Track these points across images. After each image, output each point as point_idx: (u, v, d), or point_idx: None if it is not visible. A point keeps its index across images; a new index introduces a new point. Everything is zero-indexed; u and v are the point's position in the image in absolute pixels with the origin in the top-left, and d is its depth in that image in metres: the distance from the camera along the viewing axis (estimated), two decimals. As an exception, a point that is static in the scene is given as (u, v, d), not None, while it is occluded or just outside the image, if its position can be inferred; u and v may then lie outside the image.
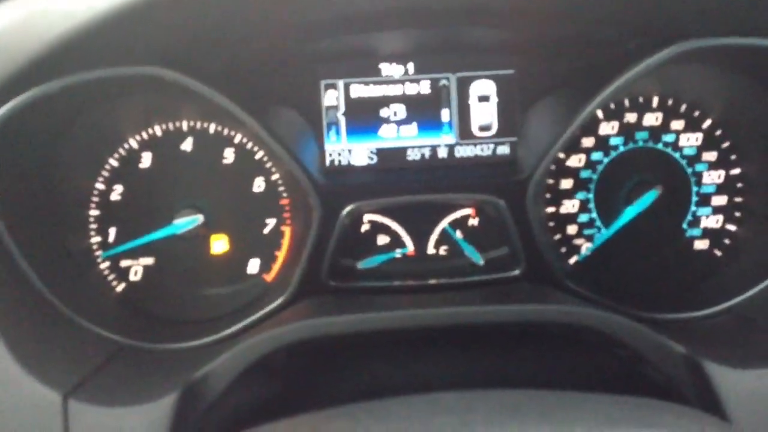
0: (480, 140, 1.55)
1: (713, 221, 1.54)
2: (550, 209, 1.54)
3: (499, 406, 0.85)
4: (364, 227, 1.51)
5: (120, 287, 1.50)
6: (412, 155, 1.55)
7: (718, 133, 1.52)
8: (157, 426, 1.06)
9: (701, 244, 1.55)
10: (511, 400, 0.87)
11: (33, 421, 1.06)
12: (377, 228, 1.51)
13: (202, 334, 1.39)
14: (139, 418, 1.07)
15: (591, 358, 1.19)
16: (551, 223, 1.54)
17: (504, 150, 1.55)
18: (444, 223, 1.51)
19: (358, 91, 1.53)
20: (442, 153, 1.55)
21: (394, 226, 1.51)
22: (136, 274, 1.50)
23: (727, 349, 1.19)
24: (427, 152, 1.55)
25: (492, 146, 1.55)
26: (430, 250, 1.52)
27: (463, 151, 1.55)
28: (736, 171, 1.52)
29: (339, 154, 1.54)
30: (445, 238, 1.52)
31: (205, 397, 1.12)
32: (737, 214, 1.54)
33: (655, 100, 1.51)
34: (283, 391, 1.16)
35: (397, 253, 1.52)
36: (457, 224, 1.52)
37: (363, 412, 0.87)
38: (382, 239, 1.52)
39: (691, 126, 1.52)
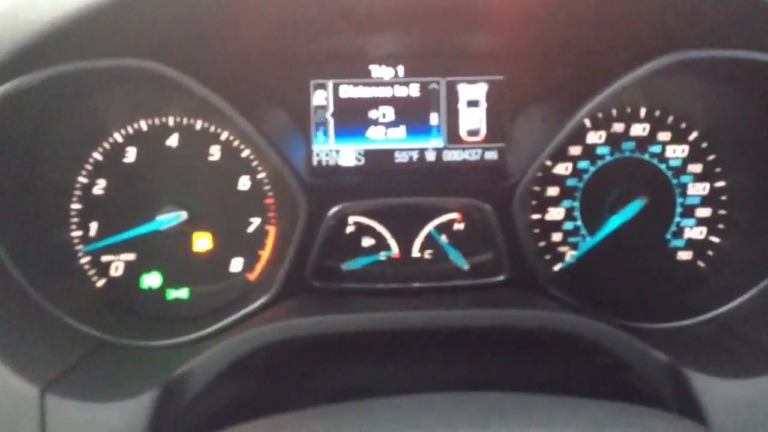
0: (468, 145, 1.55)
1: (697, 233, 1.55)
2: (536, 216, 1.54)
3: (483, 407, 0.85)
4: (350, 228, 1.50)
5: (100, 282, 1.48)
6: (400, 158, 1.55)
7: (704, 145, 1.53)
8: (136, 423, 1.05)
9: (685, 255, 1.56)
10: (495, 402, 0.86)
11: (9, 414, 1.05)
12: (363, 230, 1.51)
13: (183, 332, 1.38)
14: (118, 415, 1.06)
15: (574, 365, 1.19)
16: (536, 230, 1.55)
17: (492, 155, 1.55)
18: (430, 227, 1.51)
19: (348, 92, 1.53)
20: (430, 156, 1.55)
21: (380, 228, 1.50)
22: (117, 269, 1.48)
23: (710, 358, 1.20)
24: (415, 155, 1.55)
25: (480, 151, 1.55)
26: (415, 253, 1.52)
27: (451, 156, 1.55)
28: (720, 184, 1.53)
29: (326, 155, 1.54)
30: (430, 241, 1.52)
31: (185, 395, 1.11)
32: (721, 226, 1.54)
33: (643, 111, 1.52)
34: (264, 390, 1.15)
35: (382, 255, 1.51)
36: (442, 228, 1.51)
37: (344, 412, 0.87)
38: (367, 241, 1.51)
39: (678, 138, 1.53)
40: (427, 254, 1.52)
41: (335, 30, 1.41)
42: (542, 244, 1.55)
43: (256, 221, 1.51)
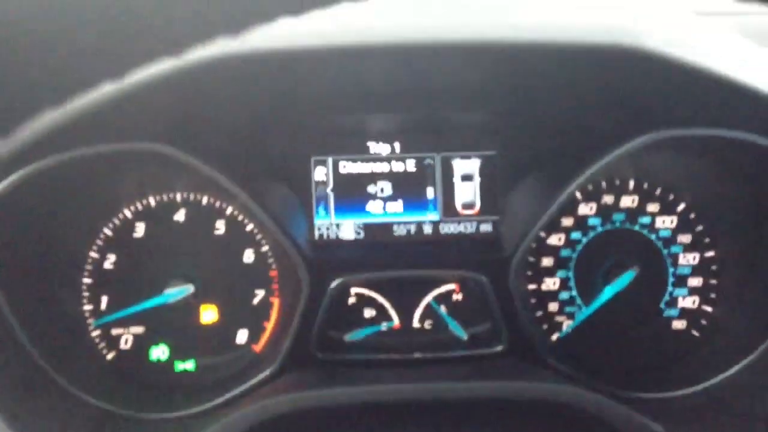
0: (464, 218, 1.59)
1: (690, 302, 1.58)
2: (532, 286, 1.58)
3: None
4: (352, 300, 1.54)
5: (110, 355, 1.51)
6: (399, 231, 1.59)
7: (692, 216, 1.56)
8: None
9: (679, 324, 1.58)
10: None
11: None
12: (364, 301, 1.54)
13: (191, 404, 1.40)
14: (126, 489, 1.09)
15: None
16: (533, 300, 1.58)
17: (487, 228, 1.59)
18: (429, 298, 1.54)
19: (347, 167, 1.58)
20: (427, 229, 1.60)
21: (381, 299, 1.54)
22: (126, 342, 1.52)
23: (705, 429, 1.21)
24: (412, 228, 1.59)
25: (475, 224, 1.59)
26: (416, 323, 1.55)
27: (448, 228, 1.60)
28: (710, 254, 1.56)
29: (327, 229, 1.58)
30: (429, 312, 1.55)
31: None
32: (713, 295, 1.57)
33: (631, 183, 1.56)
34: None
35: (383, 326, 1.54)
36: (441, 299, 1.55)
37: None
38: (369, 312, 1.55)
39: (666, 209, 1.56)
40: (427, 324, 1.55)
41: (334, 110, 1.47)
42: (539, 314, 1.58)
43: (260, 293, 1.55)
